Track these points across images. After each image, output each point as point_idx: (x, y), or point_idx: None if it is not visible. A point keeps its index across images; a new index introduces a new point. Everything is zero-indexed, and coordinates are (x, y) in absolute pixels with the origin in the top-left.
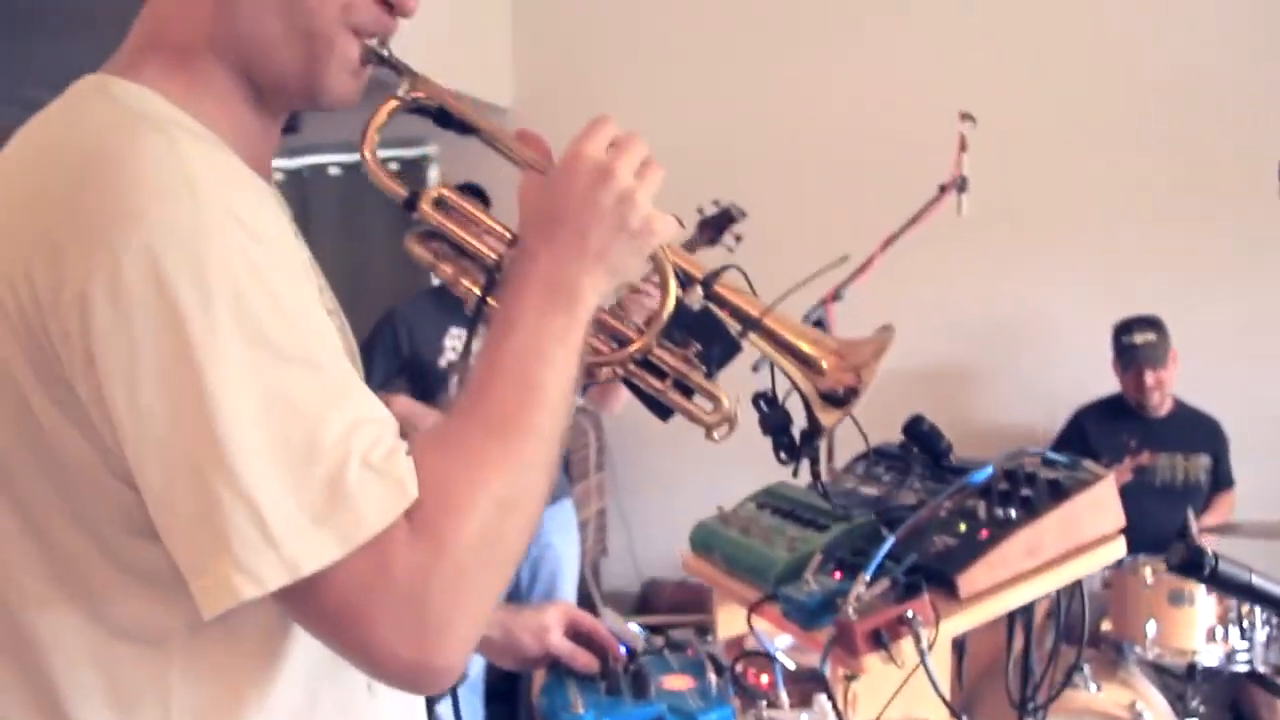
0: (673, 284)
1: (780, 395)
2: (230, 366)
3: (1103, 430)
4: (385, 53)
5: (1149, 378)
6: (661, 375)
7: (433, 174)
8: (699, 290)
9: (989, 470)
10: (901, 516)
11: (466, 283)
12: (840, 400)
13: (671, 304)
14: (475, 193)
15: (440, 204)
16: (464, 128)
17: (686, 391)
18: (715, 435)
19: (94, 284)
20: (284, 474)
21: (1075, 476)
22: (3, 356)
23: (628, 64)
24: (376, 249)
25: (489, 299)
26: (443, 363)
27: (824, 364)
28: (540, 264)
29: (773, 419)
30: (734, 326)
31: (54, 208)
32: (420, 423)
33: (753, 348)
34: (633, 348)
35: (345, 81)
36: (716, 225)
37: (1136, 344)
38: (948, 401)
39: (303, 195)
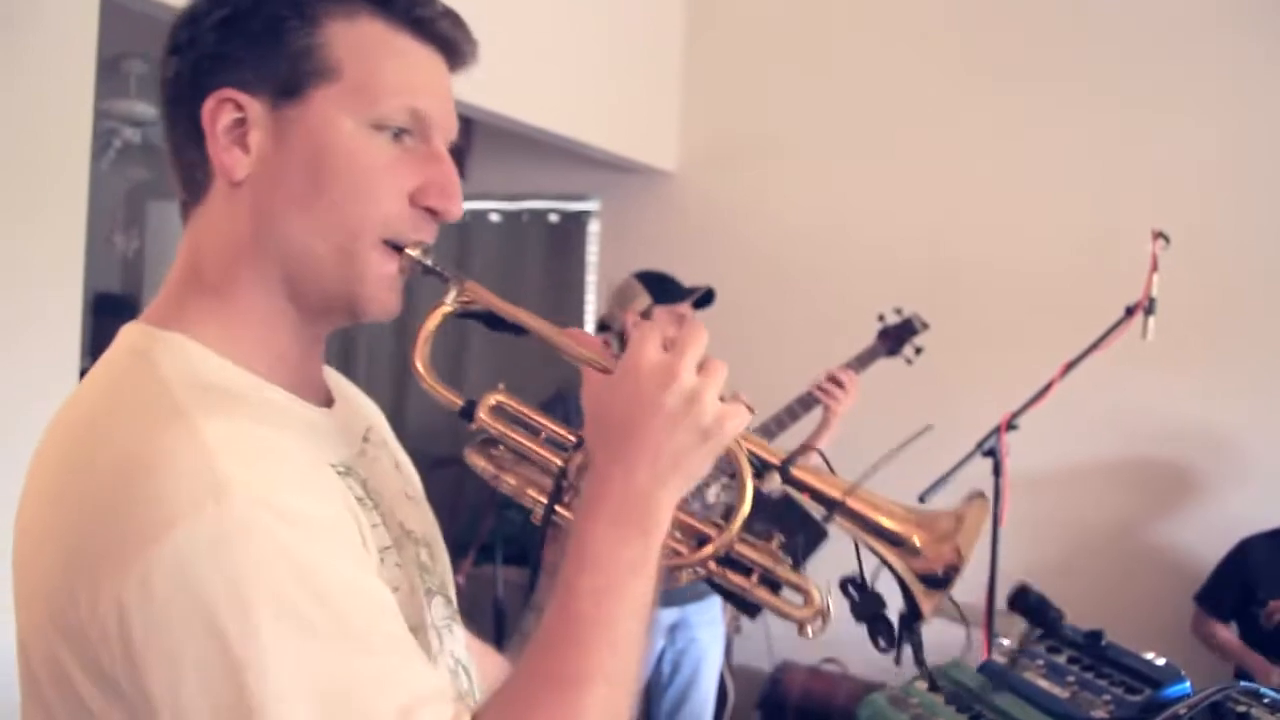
0: (749, 475)
1: (869, 578)
2: (271, 664)
3: (1267, 563)
4: (429, 263)
5: None
6: (746, 571)
7: (593, 228)
8: (777, 477)
9: (1185, 688)
10: None
11: (533, 493)
12: (940, 581)
13: (749, 496)
14: (659, 281)
15: (499, 411)
16: (515, 329)
17: (774, 586)
18: (809, 632)
19: (127, 594)
20: None
21: None
22: (55, 650)
23: (792, 144)
24: (532, 292)
25: (556, 508)
26: None
27: (916, 541)
28: (613, 486)
29: (864, 607)
30: (818, 511)
31: (89, 518)
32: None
33: (841, 531)
34: (711, 547)
35: (386, 297)
36: (898, 336)
37: None
38: (1119, 519)
39: (464, 239)
